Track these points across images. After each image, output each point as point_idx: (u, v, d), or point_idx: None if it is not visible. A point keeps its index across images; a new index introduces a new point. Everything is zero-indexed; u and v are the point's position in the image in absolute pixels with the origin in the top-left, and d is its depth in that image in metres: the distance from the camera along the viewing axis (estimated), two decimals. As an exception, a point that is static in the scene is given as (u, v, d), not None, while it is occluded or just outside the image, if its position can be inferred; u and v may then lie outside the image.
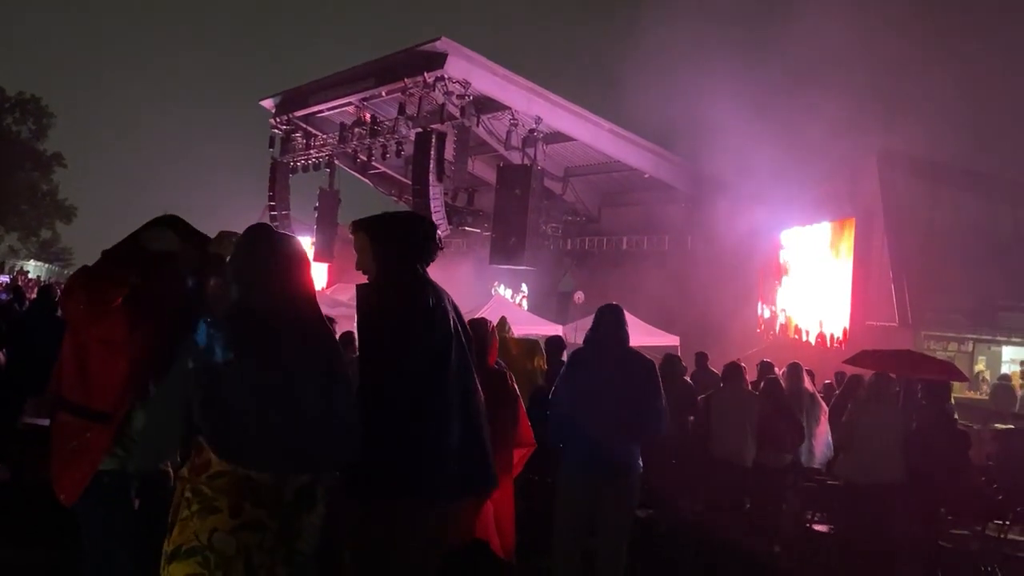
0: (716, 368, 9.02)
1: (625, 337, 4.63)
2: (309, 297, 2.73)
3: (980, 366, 17.65)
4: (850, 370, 8.68)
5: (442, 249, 3.22)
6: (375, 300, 3.03)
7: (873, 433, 6.00)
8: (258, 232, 2.76)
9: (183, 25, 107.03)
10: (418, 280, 3.05)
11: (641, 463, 4.55)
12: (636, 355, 4.66)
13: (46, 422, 3.10)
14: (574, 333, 14.64)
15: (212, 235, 3.09)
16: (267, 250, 2.68)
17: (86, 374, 2.89)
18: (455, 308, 3.12)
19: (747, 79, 18.73)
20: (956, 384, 13.79)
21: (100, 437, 2.85)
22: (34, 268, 37.93)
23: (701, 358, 10.35)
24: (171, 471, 3.00)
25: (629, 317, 4.79)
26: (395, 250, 3.06)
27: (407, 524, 2.90)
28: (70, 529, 3.02)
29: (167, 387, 2.65)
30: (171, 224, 3.08)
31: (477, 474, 3.10)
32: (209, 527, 2.48)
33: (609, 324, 4.61)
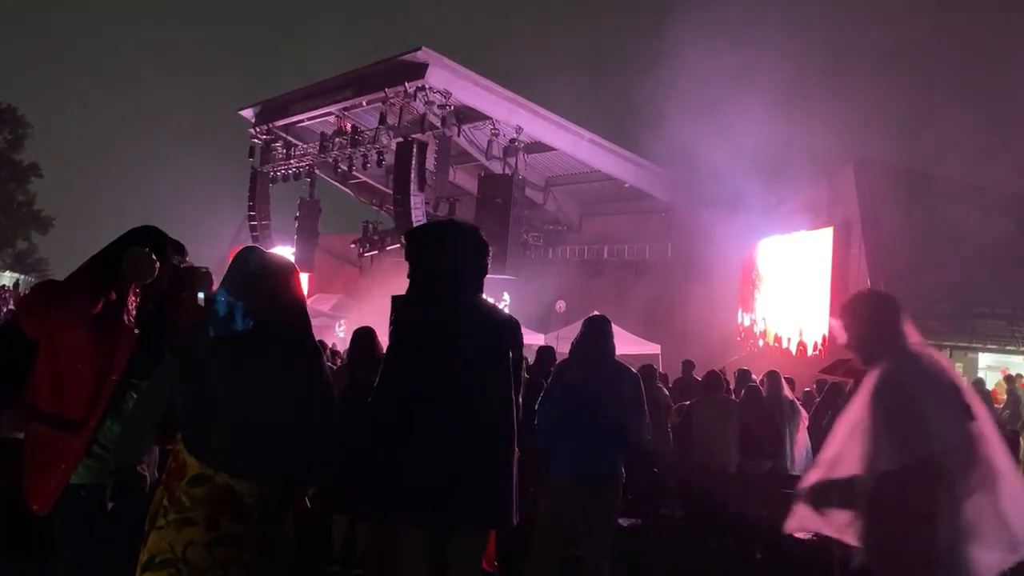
0: (699, 376, 9.08)
1: (611, 348, 4.67)
2: (298, 311, 2.77)
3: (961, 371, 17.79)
4: (831, 379, 8.75)
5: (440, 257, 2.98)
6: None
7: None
8: (248, 252, 2.85)
9: (161, 34, 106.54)
10: (414, 295, 2.95)
11: (624, 472, 4.57)
12: (622, 367, 4.70)
13: (22, 435, 3.06)
14: (556, 342, 14.66)
15: (190, 246, 3.09)
16: (256, 267, 2.73)
17: (59, 383, 2.86)
18: (471, 326, 2.91)
19: (726, 90, 18.91)
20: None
21: (72, 446, 2.82)
22: (10, 279, 37.41)
23: (688, 366, 10.48)
24: (148, 476, 2.97)
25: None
26: (412, 265, 3.01)
27: (385, 544, 2.88)
28: (48, 541, 2.97)
29: (151, 384, 2.67)
30: (149, 236, 3.02)
31: (467, 505, 2.83)
32: (184, 539, 2.46)
33: (596, 335, 4.64)
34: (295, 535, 2.71)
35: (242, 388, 2.56)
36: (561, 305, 23.28)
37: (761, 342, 20.70)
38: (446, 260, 2.95)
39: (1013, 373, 16.28)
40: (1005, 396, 15.26)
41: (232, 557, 2.48)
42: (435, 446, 2.79)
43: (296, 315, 2.75)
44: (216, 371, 2.56)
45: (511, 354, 2.98)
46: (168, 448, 2.72)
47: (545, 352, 7.63)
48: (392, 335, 2.94)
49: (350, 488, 2.83)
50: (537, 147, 22.68)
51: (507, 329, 3.01)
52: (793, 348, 19.22)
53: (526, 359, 7.11)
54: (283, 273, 2.76)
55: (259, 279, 2.68)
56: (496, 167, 22.09)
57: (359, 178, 26.69)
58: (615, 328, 4.90)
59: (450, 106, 20.65)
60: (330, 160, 24.70)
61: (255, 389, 2.57)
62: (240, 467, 2.53)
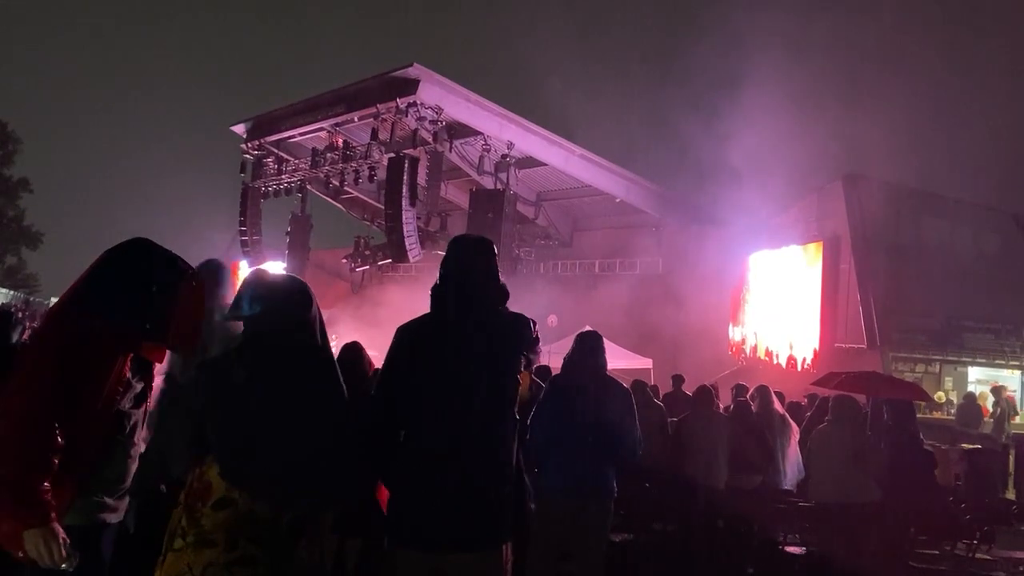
0: (689, 391, 9.08)
1: (603, 364, 4.70)
2: (323, 333, 2.78)
3: (942, 394, 17.83)
4: (822, 391, 8.77)
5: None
6: None
7: (829, 453, 6.06)
8: (263, 274, 2.86)
9: (153, 50, 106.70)
10: (420, 317, 2.95)
11: (616, 487, 4.58)
12: (613, 382, 4.72)
13: None
14: (548, 357, 14.64)
15: (186, 258, 3.00)
16: (279, 289, 2.75)
17: None
18: (471, 339, 2.82)
19: (716, 106, 19.04)
20: (922, 404, 14.01)
21: (63, 483, 2.52)
22: (-1, 295, 37.18)
23: (677, 381, 10.52)
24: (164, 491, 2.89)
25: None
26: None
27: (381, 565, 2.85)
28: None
29: (179, 407, 2.65)
30: (143, 248, 2.82)
31: (465, 526, 2.71)
32: (204, 561, 2.45)
33: (588, 351, 4.66)
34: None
35: (279, 410, 2.56)
36: (553, 320, 23.29)
37: (752, 356, 20.74)
38: (445, 275, 2.92)
39: (1001, 386, 16.35)
40: (991, 408, 15.33)
41: None
42: (432, 465, 2.72)
43: (322, 336, 2.76)
44: (249, 394, 2.56)
45: (512, 361, 2.86)
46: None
47: (542, 371, 7.64)
48: (388, 352, 2.90)
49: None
50: (528, 162, 22.75)
51: (510, 335, 2.88)
52: (783, 362, 19.26)
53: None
54: (305, 294, 2.78)
55: (287, 300, 2.70)
56: (488, 182, 22.14)
57: (351, 193, 26.71)
58: (606, 343, 4.92)
59: (441, 122, 20.71)
60: (322, 175, 24.72)
61: (291, 411, 2.57)
62: (264, 491, 2.51)
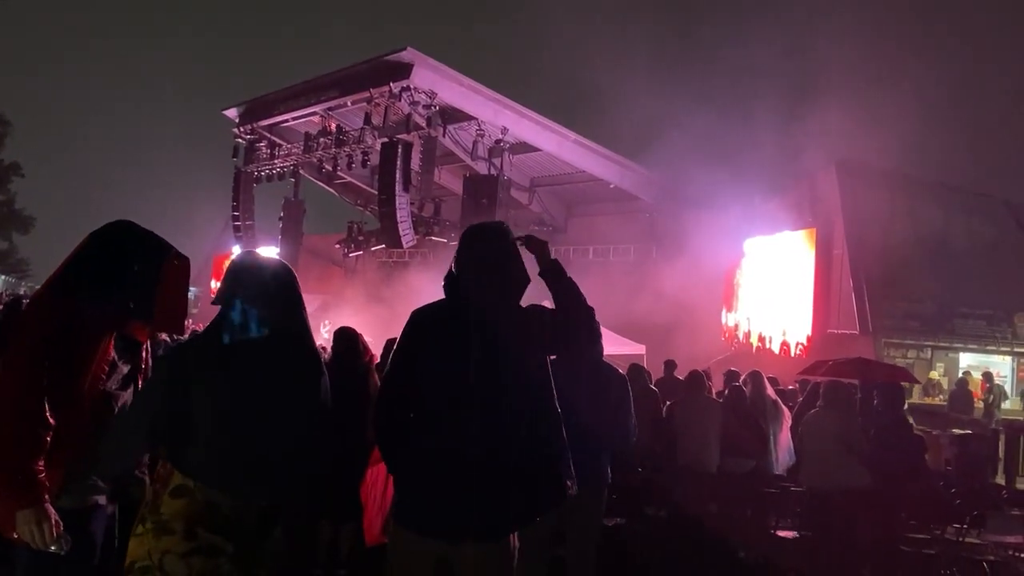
0: (682, 376, 9.11)
1: (599, 350, 4.69)
2: (306, 321, 2.73)
3: (935, 373, 17.96)
4: (811, 379, 8.81)
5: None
6: None
7: (820, 439, 6.09)
8: (255, 257, 2.82)
9: (145, 33, 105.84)
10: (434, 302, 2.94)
11: (610, 473, 4.59)
12: (609, 368, 4.72)
13: None
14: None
15: (172, 242, 2.97)
16: (271, 275, 2.69)
17: None
18: (481, 325, 2.78)
19: (710, 91, 19.00)
20: (915, 389, 14.10)
21: (51, 466, 2.54)
22: (-10, 280, 36.96)
23: (669, 366, 10.56)
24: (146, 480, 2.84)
25: (597, 327, 4.83)
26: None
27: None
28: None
29: (143, 391, 2.63)
30: (125, 230, 2.82)
31: (474, 514, 2.71)
32: (162, 548, 2.43)
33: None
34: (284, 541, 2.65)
35: (251, 400, 2.51)
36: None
37: (746, 342, 20.80)
38: (457, 261, 2.89)
39: (992, 372, 16.45)
40: (982, 393, 15.43)
41: (210, 568, 2.44)
42: (439, 452, 2.69)
43: (305, 325, 2.72)
44: (224, 382, 2.51)
45: (523, 349, 2.83)
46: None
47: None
48: (401, 336, 2.89)
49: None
50: (522, 148, 22.67)
51: (522, 324, 2.85)
52: (776, 348, 19.32)
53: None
54: (294, 281, 2.72)
55: (275, 287, 2.65)
56: (481, 168, 22.06)
57: (344, 178, 26.60)
58: (601, 329, 4.91)
59: (435, 106, 20.61)
60: (315, 160, 24.60)
61: (264, 402, 2.53)
62: (219, 483, 2.48)
